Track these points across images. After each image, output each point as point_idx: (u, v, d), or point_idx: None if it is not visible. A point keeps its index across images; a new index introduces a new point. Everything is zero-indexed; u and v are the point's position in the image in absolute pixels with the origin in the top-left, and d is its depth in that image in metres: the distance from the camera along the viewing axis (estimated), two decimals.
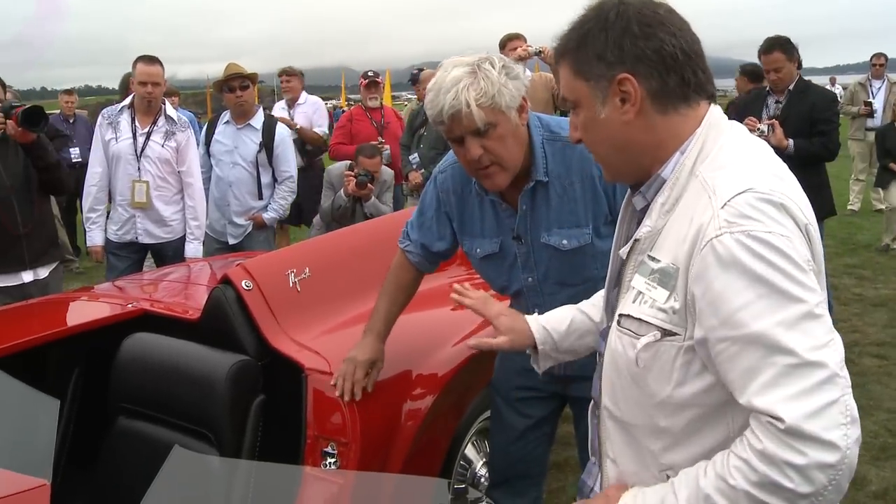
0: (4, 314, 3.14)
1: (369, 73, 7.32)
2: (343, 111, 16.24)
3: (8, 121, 3.87)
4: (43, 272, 4.14)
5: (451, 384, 2.63)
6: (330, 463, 2.27)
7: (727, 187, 1.26)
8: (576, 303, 1.90)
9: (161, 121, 4.94)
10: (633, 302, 1.37)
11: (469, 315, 2.05)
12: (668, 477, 1.35)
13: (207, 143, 5.42)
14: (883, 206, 8.98)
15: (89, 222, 5.04)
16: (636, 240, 1.41)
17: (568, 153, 2.19)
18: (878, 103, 9.80)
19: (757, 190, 1.24)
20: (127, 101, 5.03)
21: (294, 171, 5.47)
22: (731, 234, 1.21)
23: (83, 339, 2.82)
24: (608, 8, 1.37)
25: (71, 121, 9.18)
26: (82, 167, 6.48)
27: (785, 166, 1.37)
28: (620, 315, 1.41)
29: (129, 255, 5.02)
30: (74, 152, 8.61)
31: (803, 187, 1.36)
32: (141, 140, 4.88)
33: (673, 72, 1.35)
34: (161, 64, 4.93)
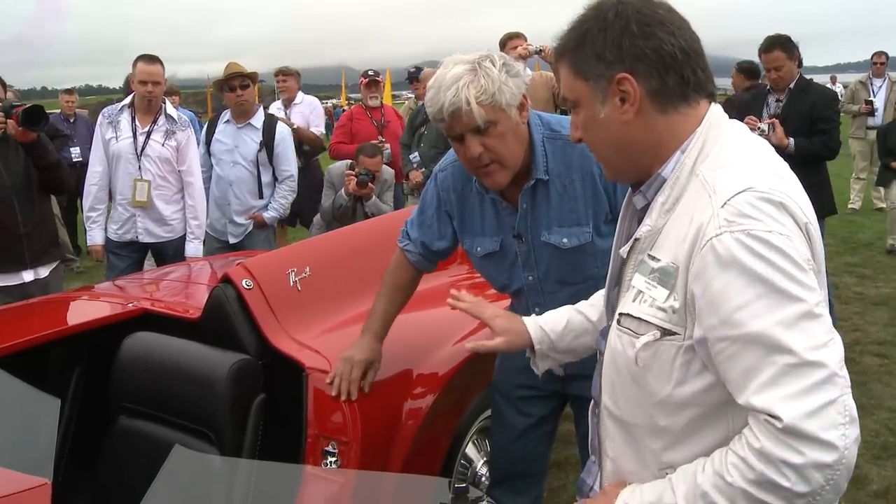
0: (5, 313, 3.14)
1: (370, 73, 7.31)
2: (343, 110, 16.25)
3: (9, 120, 3.87)
4: (43, 271, 4.14)
5: (451, 383, 2.63)
6: (330, 462, 2.27)
7: (727, 186, 1.26)
8: (577, 301, 1.90)
9: (161, 120, 4.94)
10: (633, 301, 1.37)
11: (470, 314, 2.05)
12: (668, 475, 1.35)
13: (208, 143, 5.42)
14: (884, 205, 8.98)
15: (89, 221, 5.04)
16: (636, 239, 1.41)
17: (568, 151, 2.19)
18: (878, 102, 9.78)
19: (757, 189, 1.24)
20: (127, 100, 5.03)
21: (294, 171, 5.47)
22: (731, 233, 1.21)
23: (84, 339, 2.82)
24: (607, 7, 1.37)
25: (71, 120, 9.18)
26: (83, 166, 6.48)
27: (786, 165, 1.37)
28: (620, 314, 1.41)
29: (130, 255, 5.02)
30: (75, 152, 8.62)
31: (804, 186, 1.36)
32: (141, 139, 4.87)
33: (672, 71, 1.35)
34: (161, 63, 4.93)
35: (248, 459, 2.33)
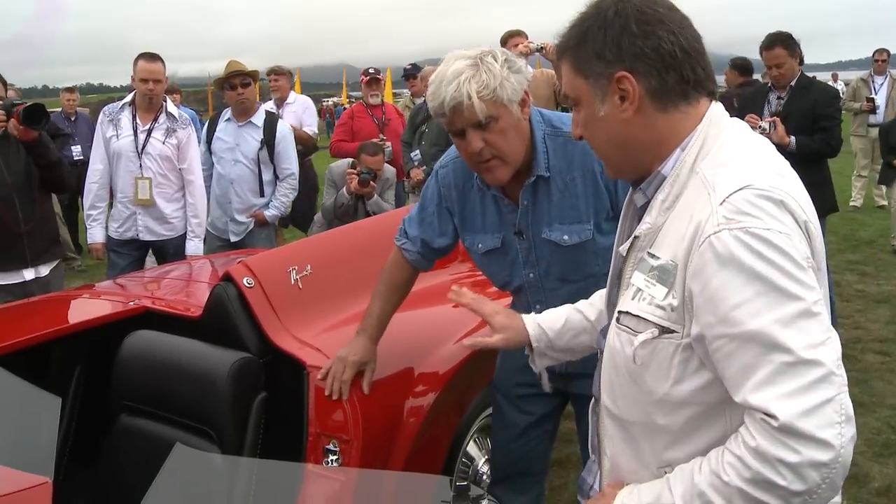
0: (6, 312, 3.14)
1: (370, 70, 7.31)
2: (344, 108, 16.26)
3: (10, 119, 3.87)
4: (44, 270, 4.14)
5: (452, 382, 2.63)
6: (332, 460, 2.27)
7: (726, 184, 1.26)
8: (578, 299, 1.90)
9: (162, 118, 4.94)
10: (633, 299, 1.37)
11: (470, 313, 2.05)
12: (666, 474, 1.35)
13: (209, 141, 5.42)
14: (885, 203, 8.96)
15: (90, 219, 5.04)
16: (636, 237, 1.41)
17: (569, 148, 2.19)
18: (880, 99, 9.77)
19: (756, 186, 1.24)
20: (128, 98, 5.03)
21: (296, 169, 5.47)
22: (730, 230, 1.21)
23: (85, 337, 2.82)
24: (607, 6, 1.37)
25: (72, 119, 9.19)
26: (84, 165, 6.48)
27: (786, 163, 1.37)
28: (619, 312, 1.41)
29: (131, 253, 5.02)
30: (76, 150, 8.62)
31: (805, 184, 1.36)
32: (142, 137, 4.87)
33: (672, 69, 1.35)
34: (162, 61, 4.93)
35: (250, 458, 2.33)
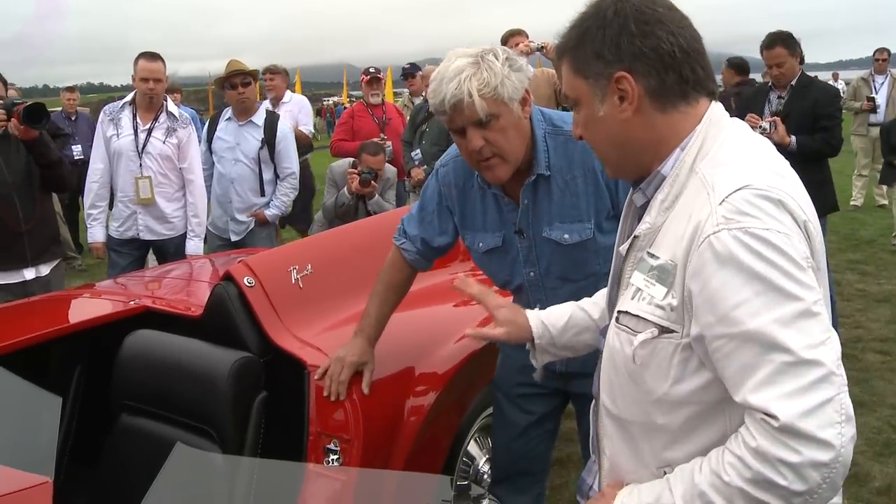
0: (6, 311, 3.14)
1: (371, 70, 7.30)
2: (345, 108, 16.27)
3: (11, 118, 3.87)
4: (45, 269, 4.14)
5: (453, 381, 2.63)
6: (332, 460, 2.26)
7: (725, 184, 1.26)
8: (578, 298, 1.90)
9: (162, 117, 4.93)
10: (632, 299, 1.37)
11: (472, 312, 2.05)
12: (666, 474, 1.35)
13: (209, 140, 5.42)
14: (886, 202, 8.96)
15: (90, 219, 5.04)
16: (635, 236, 1.41)
17: (570, 147, 2.18)
18: (880, 98, 9.78)
19: (755, 186, 1.24)
20: (129, 97, 5.03)
21: (296, 168, 5.47)
22: (729, 230, 1.21)
23: (85, 337, 2.82)
24: (606, 6, 1.38)
25: (73, 118, 9.19)
26: (84, 164, 6.49)
27: (786, 163, 1.37)
28: (619, 312, 1.41)
29: (131, 252, 5.02)
30: (76, 149, 8.63)
31: (806, 183, 1.36)
32: (142, 136, 4.87)
33: (671, 69, 1.35)
34: (163, 60, 4.93)
35: (250, 457, 2.33)
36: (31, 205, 4.02)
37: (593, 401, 1.61)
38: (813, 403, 1.15)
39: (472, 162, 2.16)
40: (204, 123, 6.49)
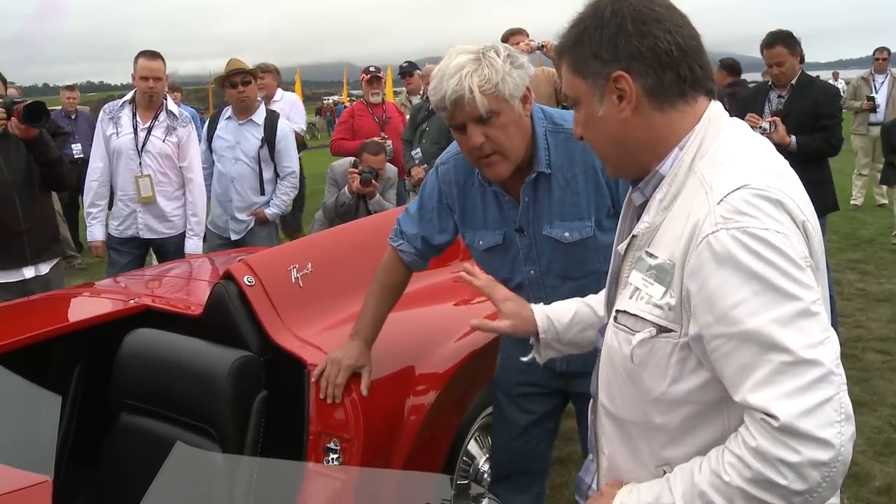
0: (6, 310, 3.14)
1: (371, 69, 7.29)
2: (345, 107, 16.26)
3: (10, 117, 3.87)
4: (44, 268, 4.14)
5: (453, 380, 2.63)
6: (332, 459, 2.26)
7: (724, 183, 1.26)
8: (578, 297, 1.90)
9: (162, 116, 4.93)
10: (630, 298, 1.37)
11: (472, 311, 2.05)
12: (665, 473, 1.35)
13: (209, 139, 5.42)
14: (886, 201, 8.96)
15: (90, 217, 5.04)
16: (634, 235, 1.41)
17: (570, 145, 2.18)
18: (880, 98, 9.78)
19: (753, 186, 1.24)
20: (128, 96, 5.02)
21: (296, 167, 5.47)
22: (727, 230, 1.21)
23: (85, 335, 2.82)
24: (604, 5, 1.38)
25: (73, 117, 9.20)
26: (84, 163, 6.49)
27: (786, 163, 1.37)
28: (617, 311, 1.41)
29: (131, 251, 5.02)
30: (76, 148, 8.63)
31: (806, 183, 1.36)
32: (142, 135, 4.87)
33: (668, 68, 1.35)
34: (163, 59, 4.93)
35: (250, 456, 2.32)
36: (30, 204, 4.02)
37: (591, 400, 1.61)
38: (812, 403, 1.15)
39: (472, 159, 2.16)
40: (204, 122, 6.49)
